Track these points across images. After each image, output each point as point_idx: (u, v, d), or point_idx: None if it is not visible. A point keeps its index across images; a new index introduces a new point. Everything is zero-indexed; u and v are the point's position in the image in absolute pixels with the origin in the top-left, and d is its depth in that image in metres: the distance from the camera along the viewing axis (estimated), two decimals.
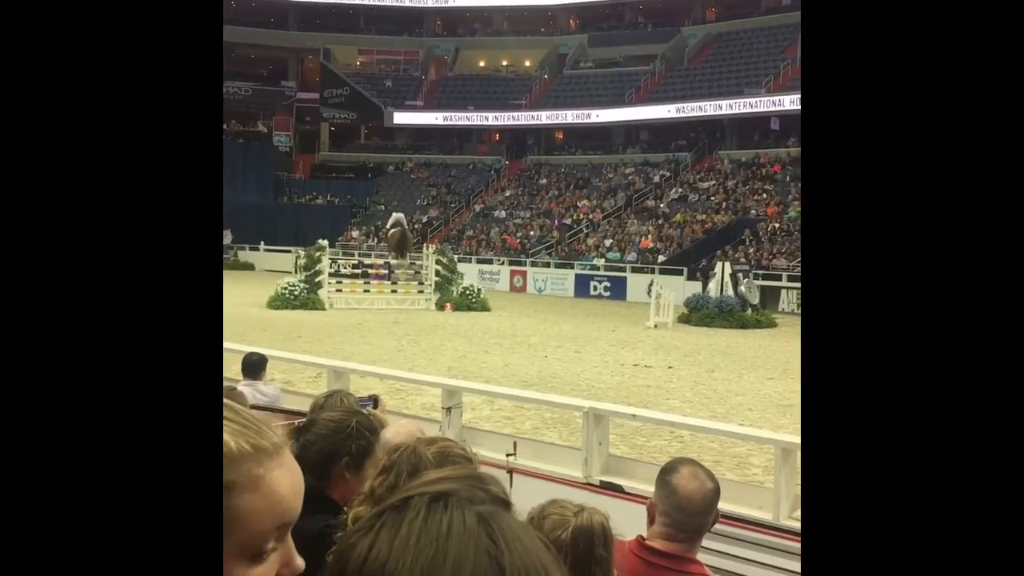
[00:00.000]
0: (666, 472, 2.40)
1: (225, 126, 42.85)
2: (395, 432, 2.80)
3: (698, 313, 21.11)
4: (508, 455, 5.48)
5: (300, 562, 0.85)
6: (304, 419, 2.55)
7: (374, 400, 3.44)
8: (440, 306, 22.64)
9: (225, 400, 0.85)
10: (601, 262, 31.36)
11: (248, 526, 0.80)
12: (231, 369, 6.72)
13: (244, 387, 5.81)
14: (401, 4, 48.97)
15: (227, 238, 36.62)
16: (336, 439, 2.31)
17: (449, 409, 5.96)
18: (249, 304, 21.29)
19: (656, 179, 37.52)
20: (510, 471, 5.40)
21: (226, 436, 0.82)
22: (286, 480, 0.84)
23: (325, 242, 23.67)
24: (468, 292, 23.35)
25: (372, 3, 48.88)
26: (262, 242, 35.98)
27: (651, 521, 2.38)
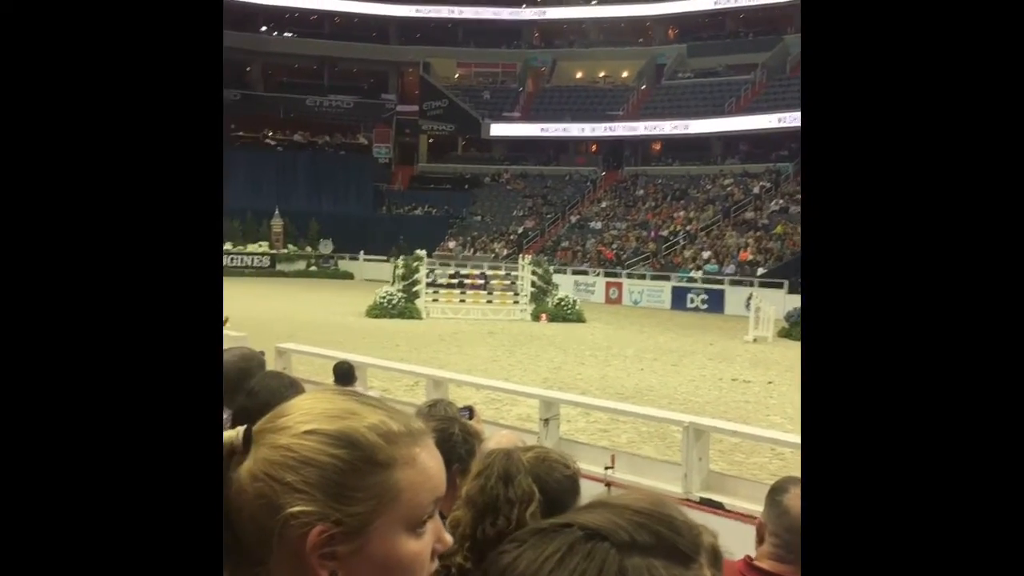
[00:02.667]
0: (776, 492, 2.31)
1: (328, 138, 43.98)
2: (497, 442, 2.77)
3: (799, 327, 20.57)
4: (606, 468, 5.41)
5: (449, 538, 0.93)
6: None
7: (469, 411, 3.42)
8: (535, 317, 22.63)
9: (419, 412, 0.90)
10: (699, 274, 30.87)
11: (409, 499, 0.88)
12: (330, 376, 6.82)
13: None
14: (499, 17, 49.38)
15: (327, 248, 37.50)
16: (445, 447, 2.29)
17: (547, 420, 5.92)
18: (349, 312, 21.71)
19: (756, 190, 36.78)
20: (608, 484, 5.33)
21: (385, 419, 0.90)
22: (434, 459, 0.93)
23: (423, 252, 23.97)
24: (563, 303, 23.30)
25: (471, 16, 49.43)
26: (362, 252, 36.67)
27: (760, 541, 2.30)
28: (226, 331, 1.50)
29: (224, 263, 30.17)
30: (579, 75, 48.78)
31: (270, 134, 43.94)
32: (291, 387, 2.46)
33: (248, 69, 49.86)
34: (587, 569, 0.64)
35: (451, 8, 49.44)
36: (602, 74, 48.30)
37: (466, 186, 44.79)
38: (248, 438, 0.90)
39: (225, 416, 2.00)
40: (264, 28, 49.96)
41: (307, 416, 0.90)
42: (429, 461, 0.92)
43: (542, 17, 49.43)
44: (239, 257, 35.04)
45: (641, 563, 0.65)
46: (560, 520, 0.71)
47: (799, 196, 34.94)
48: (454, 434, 2.35)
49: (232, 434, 0.91)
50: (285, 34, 50.75)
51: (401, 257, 24.98)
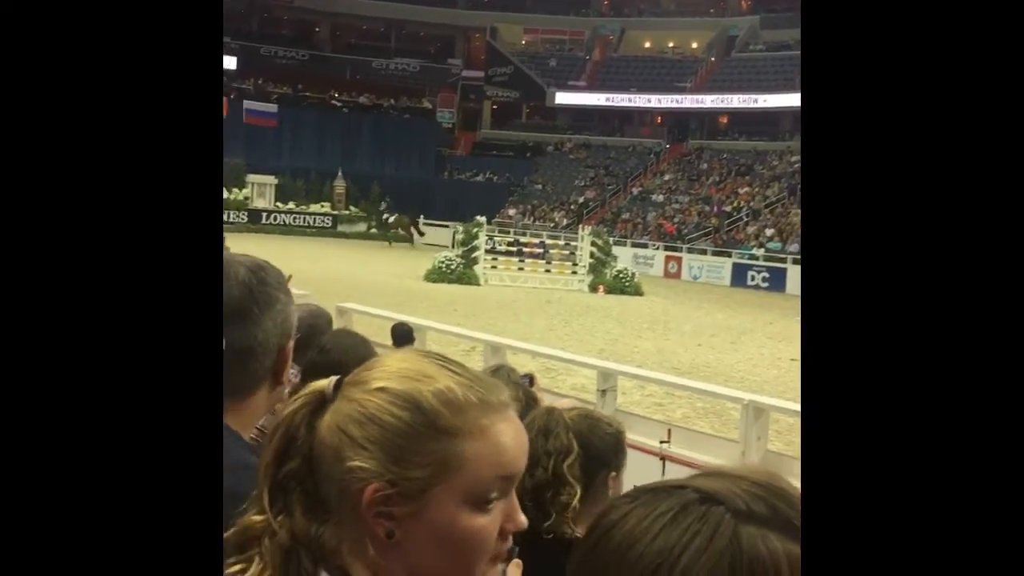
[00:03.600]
0: None
1: (392, 101, 44.11)
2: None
3: None
4: (662, 442, 5.36)
5: (523, 519, 0.90)
6: None
7: (530, 378, 3.41)
8: (593, 288, 22.55)
9: (452, 360, 0.93)
10: (761, 252, 30.42)
11: (472, 472, 0.86)
12: (388, 337, 6.87)
13: None
14: None
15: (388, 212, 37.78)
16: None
17: (604, 392, 5.88)
18: (407, 276, 21.86)
19: None
20: (663, 458, 5.28)
21: (454, 385, 0.89)
22: (510, 433, 0.90)
23: (483, 219, 23.99)
24: (622, 275, 23.16)
25: None
26: (421, 216, 36.85)
27: None
28: (290, 288, 1.53)
29: (287, 222, 30.53)
30: (647, 45, 48.08)
31: (336, 95, 44.24)
32: (363, 345, 2.47)
33: (317, 30, 50.15)
34: (700, 530, 0.63)
35: None
36: (671, 44, 47.55)
37: (528, 154, 44.63)
38: (338, 389, 0.91)
39: (293, 371, 2.01)
40: None
41: (383, 373, 0.90)
42: (503, 436, 0.89)
43: None
44: (301, 216, 35.45)
45: (756, 532, 0.63)
46: (674, 482, 0.69)
47: None
48: (518, 399, 2.34)
49: (324, 384, 0.92)
50: None
51: (461, 223, 25.08)
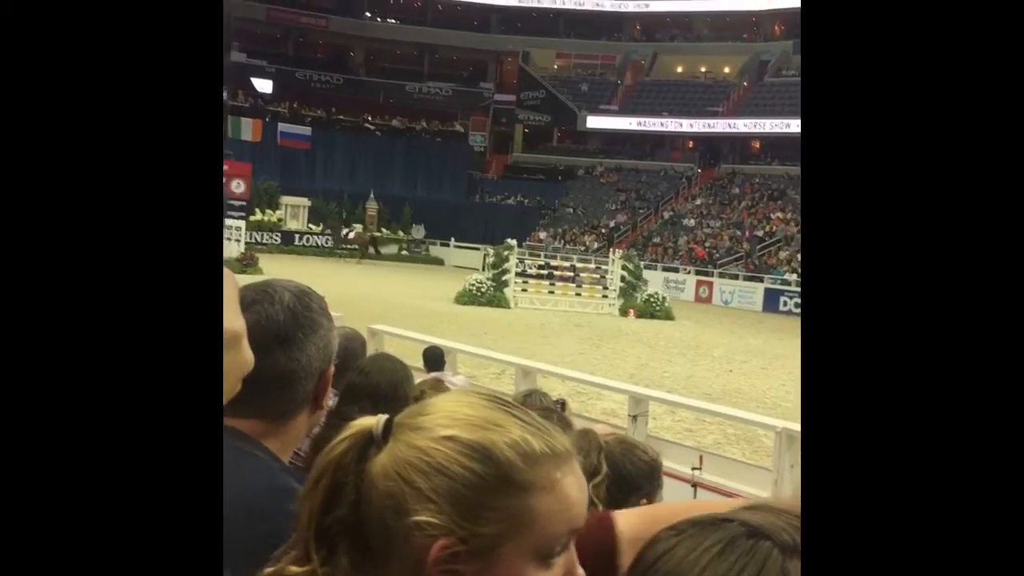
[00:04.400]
0: None
1: (425, 124, 44.41)
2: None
3: None
4: (693, 468, 5.31)
5: (582, 572, 0.86)
6: None
7: (561, 404, 3.40)
8: (623, 312, 22.46)
9: (514, 401, 0.86)
10: (793, 277, 30.17)
11: (543, 528, 0.82)
12: (418, 360, 6.88)
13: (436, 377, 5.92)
14: (601, 8, 49.08)
15: (420, 233, 37.96)
16: None
17: (635, 417, 5.85)
18: (438, 298, 21.92)
19: None
20: (695, 485, 5.23)
21: (528, 436, 0.84)
22: (577, 485, 0.86)
23: (513, 242, 24.03)
24: (652, 299, 23.06)
25: (572, 7, 49.27)
26: (452, 238, 36.99)
27: None
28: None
29: (319, 243, 30.69)
30: (679, 69, 48.12)
31: (369, 118, 44.65)
32: (401, 369, 2.48)
33: (351, 54, 50.75)
34: (747, 564, 0.63)
35: None
36: (703, 69, 47.55)
37: (559, 177, 44.73)
38: (388, 429, 0.86)
39: (331, 394, 2.03)
40: (368, 14, 50.75)
41: (448, 420, 0.84)
42: (571, 489, 0.85)
43: (645, 10, 48.91)
44: (373, 242, 35.77)
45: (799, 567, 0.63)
46: (719, 515, 0.68)
47: None
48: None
49: (371, 422, 0.87)
50: (388, 20, 51.45)
51: (491, 246, 25.13)
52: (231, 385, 0.72)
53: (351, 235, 32.77)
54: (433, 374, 6.05)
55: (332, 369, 1.37)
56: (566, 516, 0.84)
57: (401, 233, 37.50)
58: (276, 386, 1.28)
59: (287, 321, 1.30)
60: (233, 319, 0.71)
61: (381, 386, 2.38)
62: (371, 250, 33.69)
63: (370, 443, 0.86)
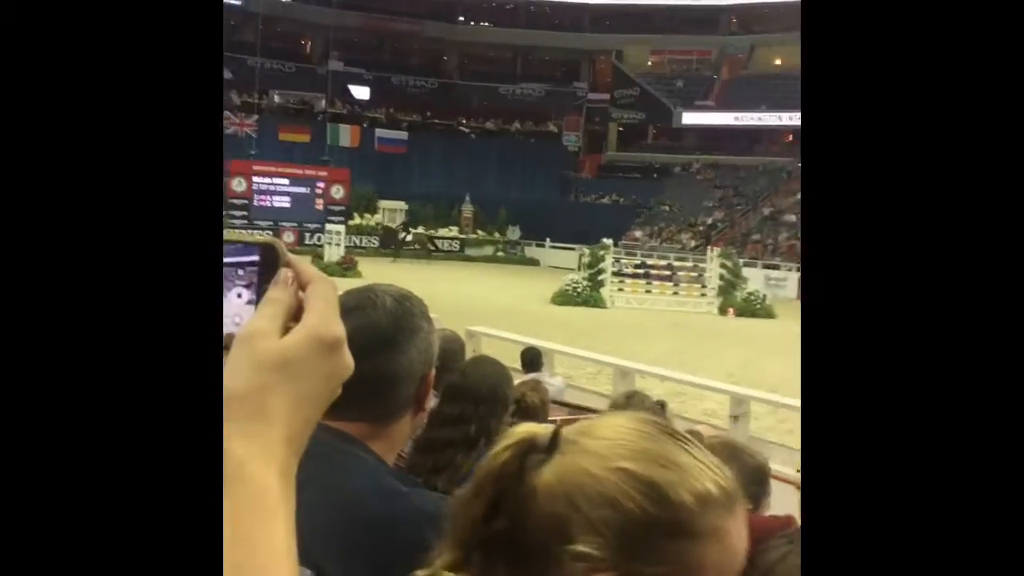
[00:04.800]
0: None
1: (518, 126, 44.61)
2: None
3: None
4: (798, 470, 5.19)
5: None
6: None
7: (662, 405, 3.37)
8: (722, 311, 22.10)
9: (687, 434, 0.84)
10: None
11: None
12: (516, 361, 6.91)
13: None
14: (696, 3, 48.42)
15: (515, 234, 38.14)
16: None
17: (736, 417, 5.75)
18: (533, 299, 21.98)
19: None
20: (799, 487, 5.10)
21: (707, 482, 0.80)
22: (742, 535, 0.82)
23: (609, 241, 23.91)
24: (752, 298, 22.62)
25: (666, 3, 48.74)
26: (548, 239, 37.04)
27: None
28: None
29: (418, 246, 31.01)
30: (778, 62, 47.04)
31: (464, 121, 45.10)
32: (502, 373, 2.50)
33: (445, 59, 51.37)
34: None
35: None
36: None
37: (655, 175, 44.31)
38: (555, 443, 0.83)
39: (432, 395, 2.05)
40: (461, 18, 51.27)
41: (624, 450, 0.81)
42: (737, 539, 0.81)
43: (741, 2, 48.01)
44: (431, 241, 36.26)
45: None
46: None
47: None
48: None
49: (535, 430, 0.84)
50: (481, 23, 51.87)
51: (587, 246, 25.06)
52: (332, 389, 0.73)
53: (409, 237, 32.96)
54: (531, 375, 6.07)
55: (433, 372, 1.38)
56: (730, 566, 0.81)
57: (496, 234, 37.75)
58: (379, 389, 1.30)
59: (389, 325, 1.32)
60: (333, 324, 0.71)
61: (481, 388, 2.40)
62: (430, 247, 34.00)
63: (532, 452, 0.83)
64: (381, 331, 1.31)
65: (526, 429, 0.85)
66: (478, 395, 2.40)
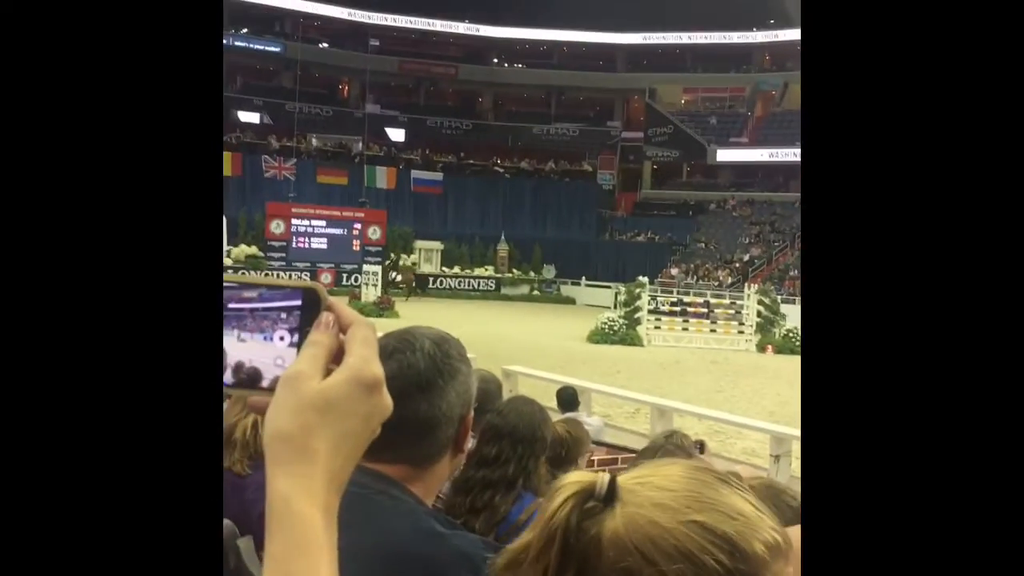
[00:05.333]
0: None
1: (553, 165, 44.81)
2: None
3: None
4: None
5: None
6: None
7: (700, 446, 3.33)
8: (761, 348, 21.88)
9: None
10: None
11: None
12: (553, 400, 6.88)
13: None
14: (728, 41, 48.58)
15: (550, 273, 38.16)
16: None
17: (777, 457, 5.67)
18: (570, 337, 21.91)
19: None
20: None
21: (772, 530, 0.82)
22: None
23: (645, 279, 23.83)
24: (791, 335, 22.36)
25: (698, 42, 48.95)
26: (583, 277, 37.00)
27: None
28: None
29: (452, 286, 31.14)
30: None
31: (498, 162, 45.42)
32: (539, 413, 2.50)
33: (480, 100, 51.92)
34: None
35: (678, 34, 49.22)
36: None
37: (690, 212, 44.19)
38: (614, 492, 0.83)
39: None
40: (495, 60, 51.86)
41: (692, 501, 0.82)
42: None
43: (774, 40, 48.09)
44: (467, 280, 36.35)
45: None
46: None
47: None
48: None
49: (591, 478, 0.84)
50: (515, 65, 52.42)
51: (623, 284, 24.99)
52: (372, 429, 0.75)
53: (398, 277, 32.41)
54: (568, 414, 6.04)
55: (472, 413, 1.39)
56: None
57: (532, 273, 37.78)
58: (418, 432, 1.31)
59: (428, 368, 1.33)
60: (373, 366, 0.73)
61: (519, 428, 2.40)
62: (415, 287, 32.84)
63: (587, 497, 0.83)
64: (419, 374, 1.32)
65: (579, 478, 0.85)
66: (516, 435, 2.40)
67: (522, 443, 2.39)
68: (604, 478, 0.83)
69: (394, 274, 31.93)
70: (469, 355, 1.46)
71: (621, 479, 0.84)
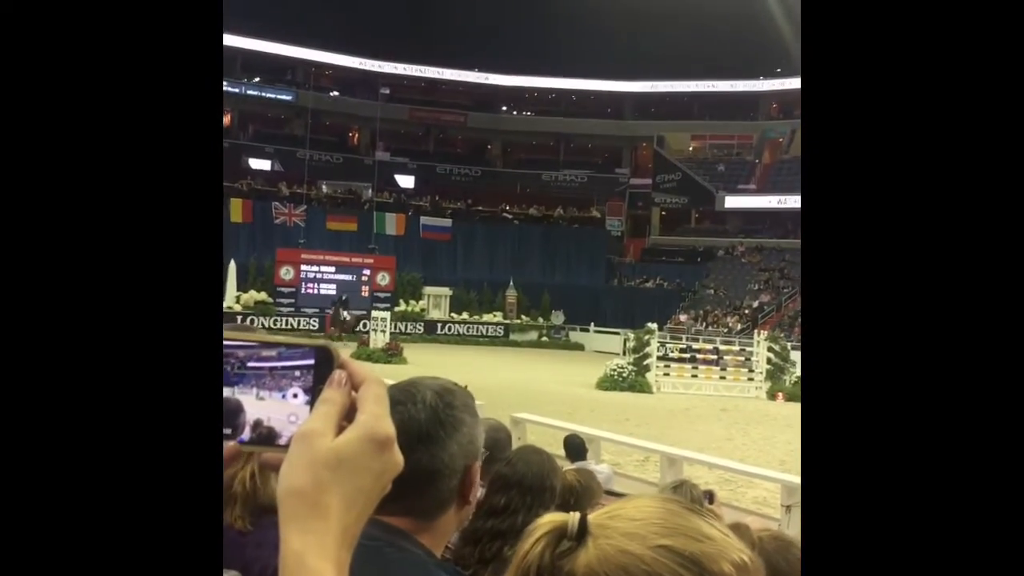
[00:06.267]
0: None
1: (561, 212, 45.00)
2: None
3: None
4: None
5: None
6: None
7: (710, 496, 3.30)
8: (771, 395, 21.74)
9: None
10: None
11: None
12: (561, 448, 6.83)
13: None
14: (735, 90, 49.04)
15: (559, 319, 38.13)
16: None
17: (789, 507, 5.60)
18: (578, 384, 21.83)
19: None
20: None
21: (744, 555, 0.85)
22: None
23: (654, 325, 23.78)
24: None
25: (706, 90, 49.44)
26: (592, 323, 36.96)
27: None
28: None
29: (460, 332, 30.99)
30: None
31: (507, 208, 45.67)
32: (548, 462, 2.49)
33: (488, 147, 52.38)
34: None
35: (686, 83, 49.72)
36: None
37: (699, 259, 44.25)
38: (584, 528, 0.86)
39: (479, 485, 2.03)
40: (504, 108, 52.42)
41: (660, 529, 0.85)
42: None
43: (780, 88, 48.55)
44: (475, 327, 36.35)
45: None
46: None
47: None
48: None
49: (562, 519, 0.88)
50: (524, 113, 52.96)
51: (632, 330, 24.93)
52: (384, 485, 0.76)
53: (347, 316, 31.63)
54: (578, 464, 5.99)
55: (479, 464, 1.38)
56: None
57: (541, 319, 37.77)
58: (420, 484, 1.30)
59: (428, 420, 1.33)
60: (384, 423, 0.75)
61: (527, 477, 2.39)
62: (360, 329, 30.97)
63: (562, 540, 0.86)
64: (420, 426, 1.32)
65: (552, 519, 0.88)
66: (524, 485, 2.38)
67: (531, 493, 2.37)
68: (575, 516, 0.86)
69: (345, 314, 31.65)
70: (477, 402, 1.45)
71: (592, 516, 0.88)
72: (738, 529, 2.03)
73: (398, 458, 0.75)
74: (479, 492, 2.26)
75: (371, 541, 1.18)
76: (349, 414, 0.75)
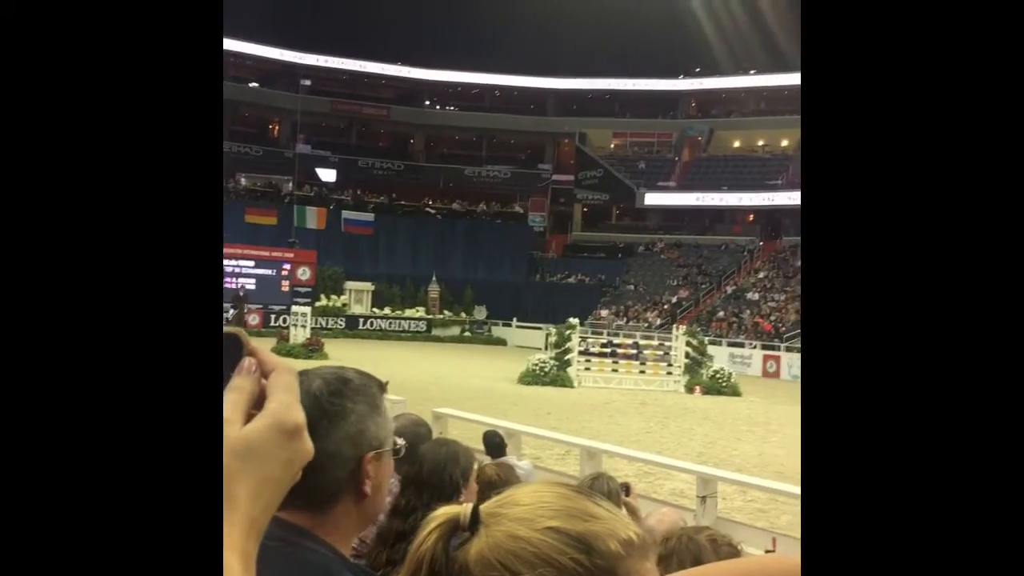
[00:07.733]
0: None
1: (484, 207, 45.05)
2: (659, 520, 2.70)
3: None
4: (767, 551, 5.16)
5: None
6: None
7: (626, 487, 3.36)
8: (689, 389, 22.15)
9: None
10: None
11: None
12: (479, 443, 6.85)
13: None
14: (656, 88, 49.72)
15: (481, 314, 38.18)
16: None
17: (704, 498, 5.73)
18: (501, 379, 21.90)
19: None
20: None
21: (626, 528, 0.87)
22: (657, 574, 0.89)
23: (576, 320, 23.99)
24: (718, 376, 22.71)
25: (627, 88, 50.01)
26: (514, 319, 37.10)
27: None
28: (386, 396, 1.55)
29: (383, 327, 30.67)
30: (736, 144, 48.26)
31: (430, 203, 45.52)
32: (448, 454, 2.45)
33: (411, 141, 52.07)
34: None
35: (608, 80, 50.22)
36: (761, 143, 47.61)
37: (620, 255, 44.79)
38: (476, 518, 0.87)
39: (393, 481, 2.01)
40: (427, 102, 52.17)
41: (547, 511, 0.87)
42: None
43: (699, 87, 49.42)
44: (397, 321, 36.13)
45: None
46: None
47: None
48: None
49: (456, 511, 0.88)
50: (448, 108, 52.79)
51: (553, 325, 25.11)
52: (293, 474, 0.75)
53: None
54: (498, 460, 6.02)
55: (373, 455, 1.32)
56: None
57: (463, 314, 37.76)
58: (305, 473, 1.28)
59: (310, 408, 1.30)
60: (294, 411, 0.74)
61: (423, 473, 2.35)
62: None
63: (455, 531, 0.87)
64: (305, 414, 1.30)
65: (445, 511, 0.89)
66: (420, 481, 2.34)
67: (428, 489, 2.33)
68: (467, 507, 0.88)
69: (248, 307, 31.04)
70: (398, 397, 1.43)
71: (484, 506, 0.89)
72: (692, 539, 2.08)
73: (308, 446, 0.74)
74: (394, 487, 2.25)
75: (273, 541, 1.17)
76: (259, 402, 0.74)
